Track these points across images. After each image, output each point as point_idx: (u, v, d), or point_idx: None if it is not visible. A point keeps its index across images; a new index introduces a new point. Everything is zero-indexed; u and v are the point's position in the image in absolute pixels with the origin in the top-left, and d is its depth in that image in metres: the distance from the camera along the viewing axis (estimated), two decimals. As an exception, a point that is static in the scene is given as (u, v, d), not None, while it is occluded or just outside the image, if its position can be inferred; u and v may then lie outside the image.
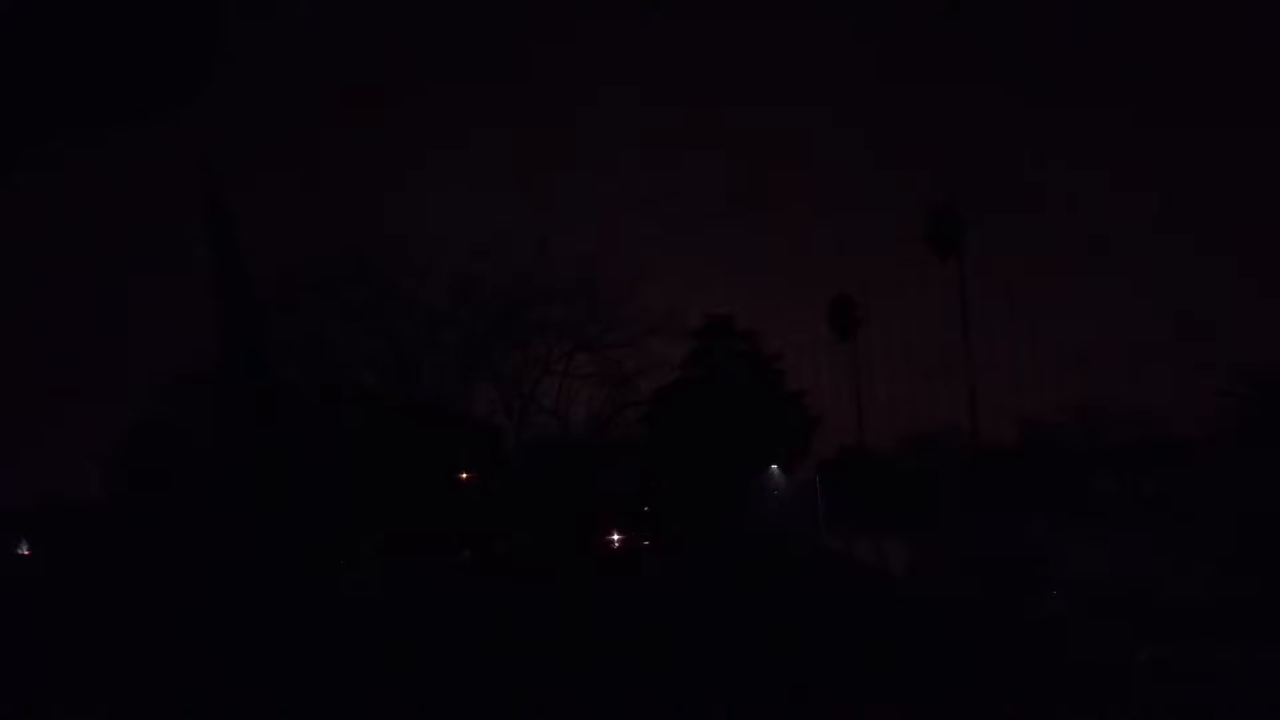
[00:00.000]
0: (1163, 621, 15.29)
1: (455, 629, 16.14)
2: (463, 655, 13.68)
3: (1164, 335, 32.55)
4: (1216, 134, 32.63)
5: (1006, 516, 23.74)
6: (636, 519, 27.03)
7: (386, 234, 25.07)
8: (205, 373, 20.82)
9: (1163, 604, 16.55)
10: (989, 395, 27.53)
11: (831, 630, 15.72)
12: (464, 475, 25.84)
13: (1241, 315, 30.67)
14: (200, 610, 17.00)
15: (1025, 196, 29.65)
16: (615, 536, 26.60)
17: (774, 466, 26.91)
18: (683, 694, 11.39)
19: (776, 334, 27.88)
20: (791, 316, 28.59)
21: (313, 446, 22.48)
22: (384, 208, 26.70)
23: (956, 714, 10.22)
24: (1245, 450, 24.42)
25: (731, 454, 26.23)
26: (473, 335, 25.53)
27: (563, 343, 25.03)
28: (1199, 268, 33.11)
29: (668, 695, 11.34)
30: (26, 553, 24.87)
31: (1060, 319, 31.77)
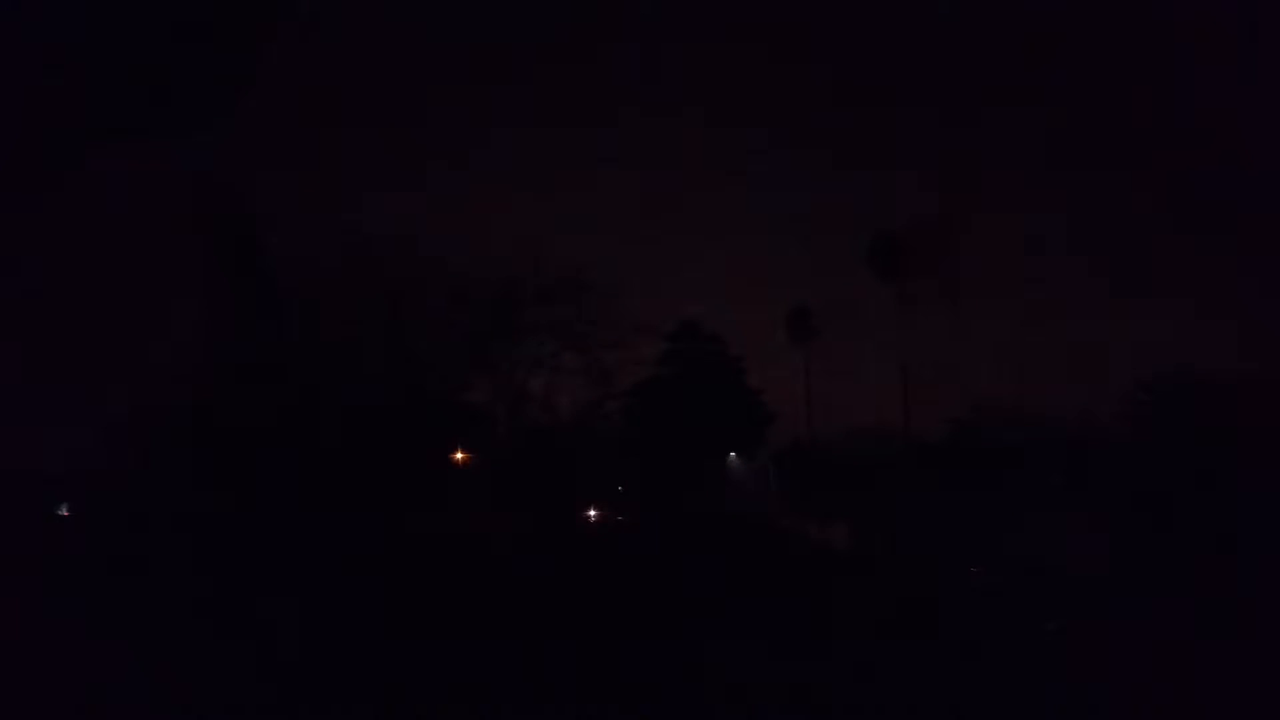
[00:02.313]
0: (1069, 593, 16.99)
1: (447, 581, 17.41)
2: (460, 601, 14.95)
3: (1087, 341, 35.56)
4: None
5: (933, 499, 26.96)
6: (612, 499, 30.24)
7: (386, 233, 25.25)
8: (228, 359, 22.16)
9: (1070, 578, 18.26)
10: (925, 395, 31.26)
11: (764, 590, 17.60)
12: (459, 457, 28.63)
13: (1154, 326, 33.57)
14: (226, 570, 17.60)
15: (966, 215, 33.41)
16: (592, 513, 29.72)
17: (732, 454, 30.55)
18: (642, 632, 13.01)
19: (740, 338, 31.68)
20: (753, 323, 32.26)
21: (320, 428, 24.46)
22: (384, 205, 27.81)
23: (882, 668, 11.07)
24: (1147, 445, 27.81)
25: (697, 443, 29.72)
26: (469, 333, 27.22)
27: (552, 341, 27.51)
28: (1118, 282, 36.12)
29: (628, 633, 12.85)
30: (66, 514, 27.28)
31: (994, 323, 35.29)
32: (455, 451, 28.04)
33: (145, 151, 18.76)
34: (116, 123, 17.90)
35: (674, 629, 12.95)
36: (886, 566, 23.87)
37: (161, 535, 20.16)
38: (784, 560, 23.33)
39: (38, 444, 19.24)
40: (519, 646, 11.83)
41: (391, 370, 27.40)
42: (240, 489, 20.59)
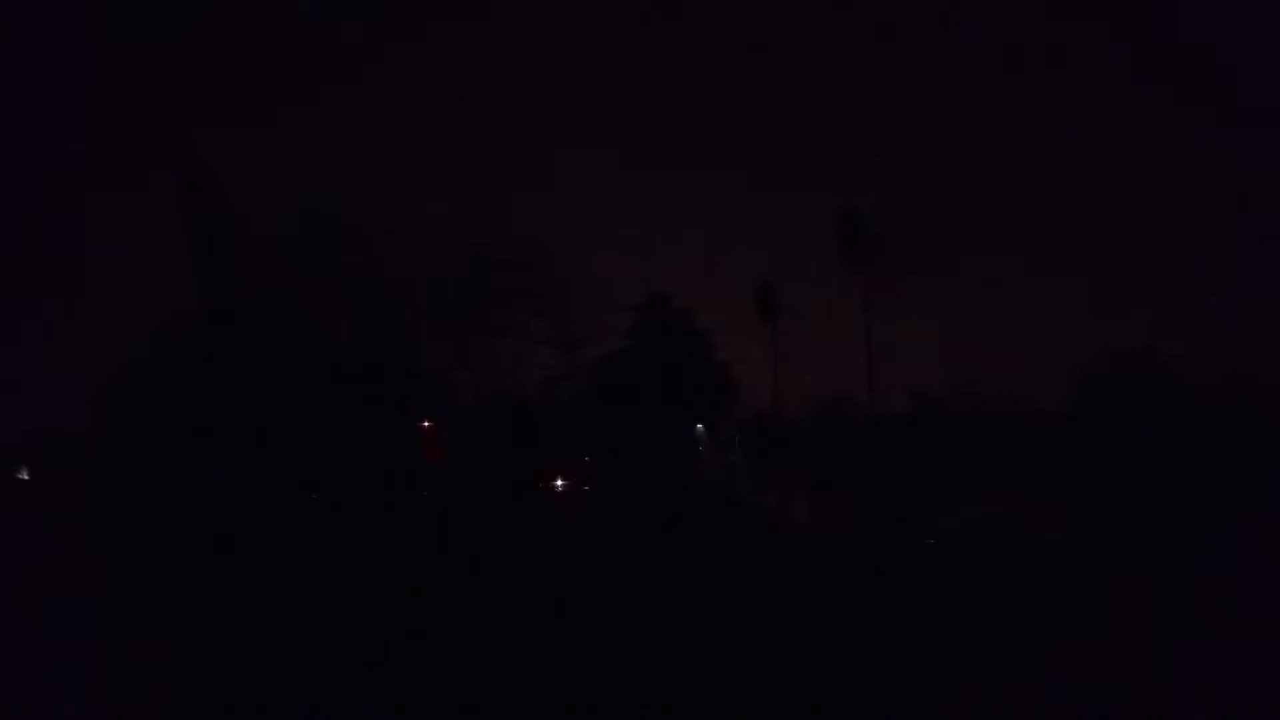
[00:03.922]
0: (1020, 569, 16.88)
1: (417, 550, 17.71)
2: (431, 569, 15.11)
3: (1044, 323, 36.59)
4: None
5: (890, 475, 27.58)
6: (578, 468, 30.58)
7: (359, 206, 25.68)
8: (191, 324, 22.45)
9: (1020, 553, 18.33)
10: (886, 372, 31.93)
11: (725, 558, 17.97)
12: (425, 424, 28.72)
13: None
14: (183, 532, 18.05)
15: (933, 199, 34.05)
16: (559, 482, 30.00)
17: (699, 426, 31.00)
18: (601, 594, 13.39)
19: (707, 311, 32.02)
20: (721, 297, 32.58)
21: (284, 396, 24.42)
22: (358, 177, 27.54)
23: (837, 639, 11.04)
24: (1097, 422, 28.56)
25: (664, 414, 30.12)
26: (436, 300, 27.49)
27: (521, 310, 27.63)
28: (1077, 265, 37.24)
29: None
30: (26, 478, 27.20)
31: (954, 306, 36.25)
32: (421, 419, 28.18)
33: (129, 128, 18.78)
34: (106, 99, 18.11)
35: (639, 605, 13.16)
36: (842, 539, 24.29)
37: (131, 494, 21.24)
38: (744, 534, 23.78)
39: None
40: (483, 620, 12.02)
41: (360, 336, 27.48)
42: (202, 457, 21.09)
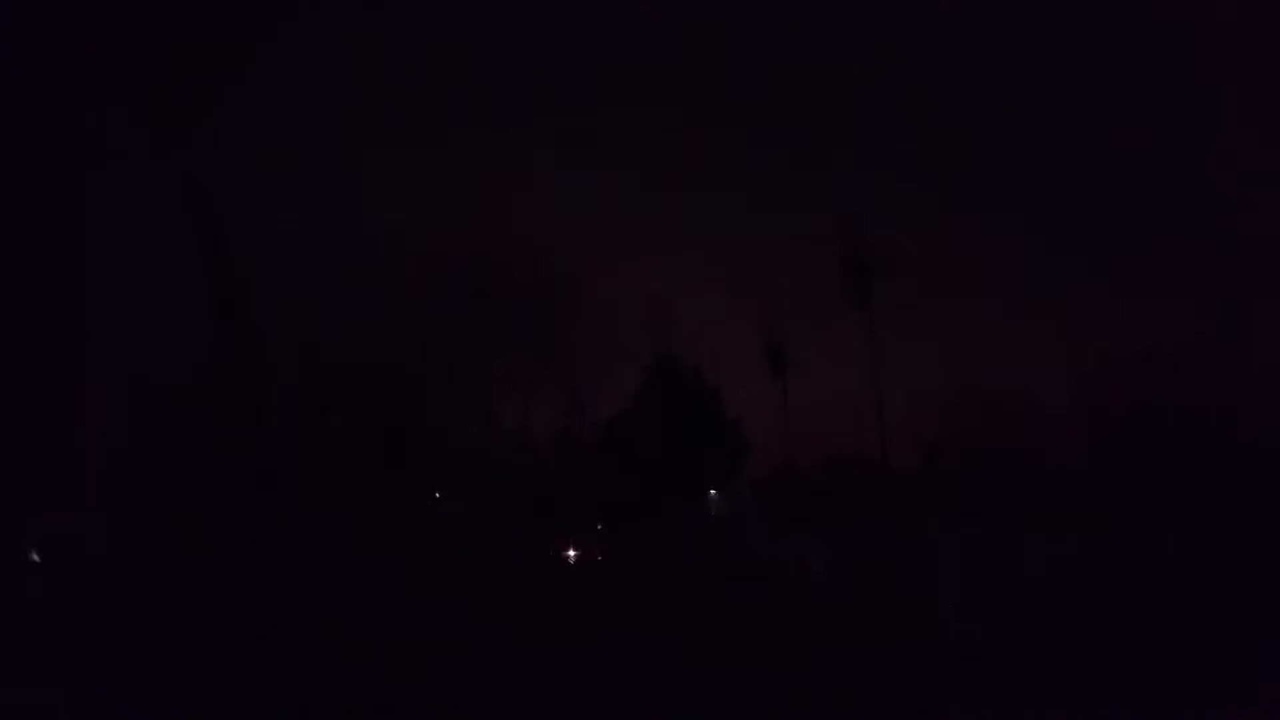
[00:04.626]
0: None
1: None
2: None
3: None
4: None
5: (904, 530, 26.83)
6: (591, 535, 29.74)
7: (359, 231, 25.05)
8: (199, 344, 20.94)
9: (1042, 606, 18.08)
10: (897, 423, 31.50)
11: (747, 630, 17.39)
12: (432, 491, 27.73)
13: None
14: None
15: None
16: (571, 552, 29.08)
17: (712, 491, 30.34)
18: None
19: (717, 369, 31.49)
20: (731, 355, 32.05)
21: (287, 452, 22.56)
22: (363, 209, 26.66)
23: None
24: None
25: (676, 475, 29.46)
26: (431, 349, 25.95)
27: (524, 362, 26.35)
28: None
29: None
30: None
31: (960, 354, 35.93)
32: (426, 482, 27.06)
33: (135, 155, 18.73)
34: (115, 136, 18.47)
35: (659, 686, 12.72)
36: (869, 610, 23.38)
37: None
38: (765, 607, 22.79)
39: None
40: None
41: (363, 389, 25.94)
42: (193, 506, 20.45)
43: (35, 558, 21.12)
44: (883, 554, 25.63)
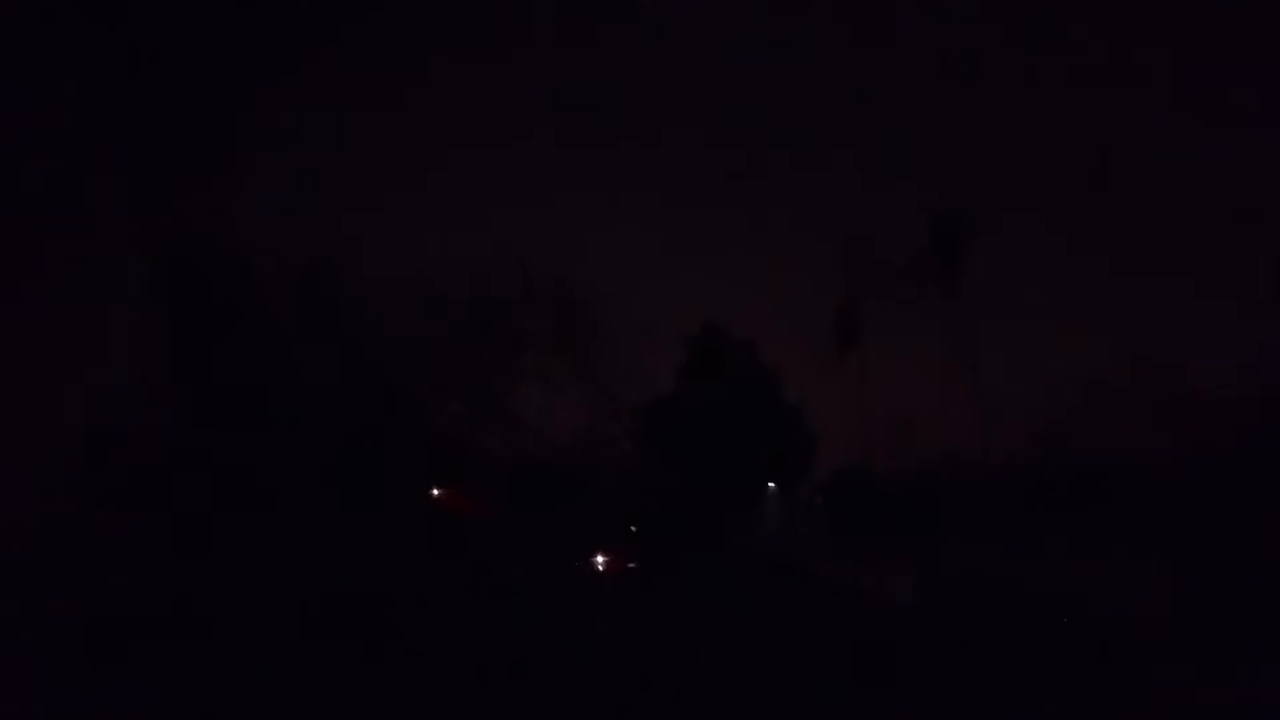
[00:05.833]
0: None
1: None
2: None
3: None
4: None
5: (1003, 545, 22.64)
6: (623, 540, 25.75)
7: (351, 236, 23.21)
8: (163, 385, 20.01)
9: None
10: (994, 413, 26.20)
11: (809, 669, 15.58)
12: (437, 493, 24.69)
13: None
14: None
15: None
16: (600, 559, 25.30)
17: (771, 485, 25.65)
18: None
19: (775, 344, 26.51)
20: (792, 325, 27.22)
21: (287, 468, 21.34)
22: (355, 210, 24.94)
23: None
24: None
25: (725, 472, 24.93)
26: (440, 344, 24.00)
27: (541, 352, 23.24)
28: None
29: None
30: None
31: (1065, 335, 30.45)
32: (433, 489, 24.09)
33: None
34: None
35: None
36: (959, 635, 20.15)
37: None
38: (834, 628, 19.71)
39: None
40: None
41: (363, 400, 24.03)
42: (196, 528, 18.68)
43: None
44: (989, 573, 21.67)
